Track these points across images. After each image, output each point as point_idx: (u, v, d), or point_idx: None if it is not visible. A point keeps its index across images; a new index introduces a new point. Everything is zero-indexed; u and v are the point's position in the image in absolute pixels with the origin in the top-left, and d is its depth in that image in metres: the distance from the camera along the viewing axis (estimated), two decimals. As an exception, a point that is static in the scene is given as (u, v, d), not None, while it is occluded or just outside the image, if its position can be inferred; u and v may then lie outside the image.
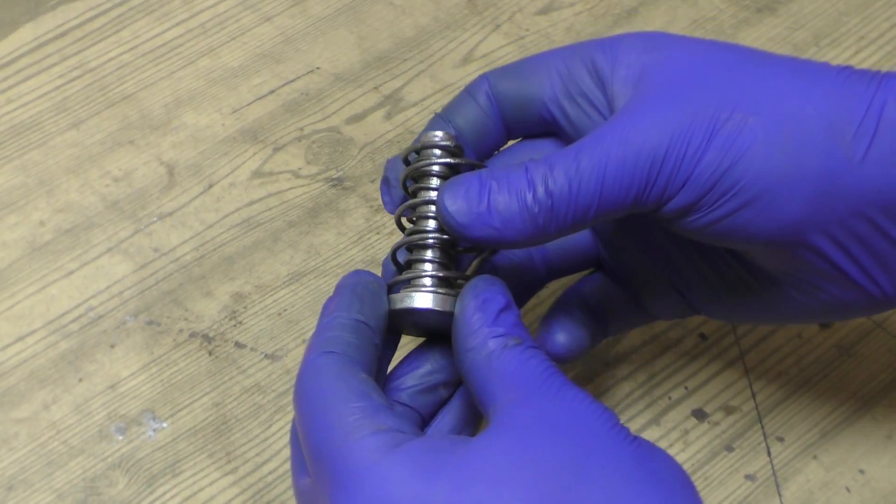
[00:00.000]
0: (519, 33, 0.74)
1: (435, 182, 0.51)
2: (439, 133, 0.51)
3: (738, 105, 0.46)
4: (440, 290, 0.50)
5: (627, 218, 0.49)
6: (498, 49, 0.73)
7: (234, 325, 0.63)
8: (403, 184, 0.52)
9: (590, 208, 0.47)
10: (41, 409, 0.60)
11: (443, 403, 0.52)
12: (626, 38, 0.50)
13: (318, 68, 0.72)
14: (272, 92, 0.71)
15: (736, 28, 0.75)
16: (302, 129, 0.69)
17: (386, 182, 0.53)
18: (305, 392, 0.46)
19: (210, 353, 0.62)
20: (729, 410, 0.61)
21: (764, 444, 0.60)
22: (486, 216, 0.47)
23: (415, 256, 0.51)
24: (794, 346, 0.63)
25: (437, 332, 0.51)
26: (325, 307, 0.50)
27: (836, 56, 0.73)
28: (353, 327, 0.48)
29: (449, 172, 0.51)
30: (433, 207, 0.50)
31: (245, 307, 0.63)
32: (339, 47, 0.73)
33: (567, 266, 0.56)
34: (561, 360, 0.54)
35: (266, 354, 0.62)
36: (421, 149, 0.51)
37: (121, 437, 0.59)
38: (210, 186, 0.67)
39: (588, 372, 0.62)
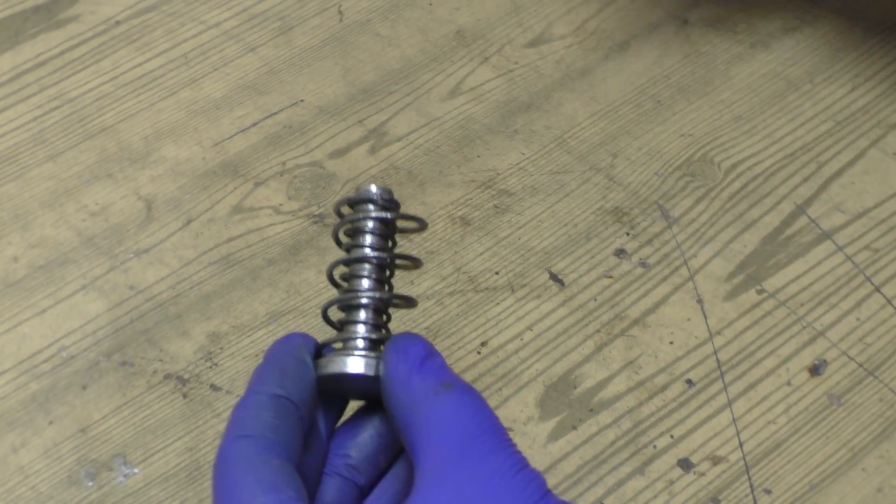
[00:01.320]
0: (508, 66, 0.73)
1: (369, 239, 0.49)
2: (374, 187, 0.49)
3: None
4: (370, 354, 0.48)
5: None
6: (486, 82, 0.72)
7: (210, 367, 0.61)
8: (336, 237, 0.51)
9: None
10: (9, 453, 0.58)
11: (385, 471, 0.50)
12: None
13: (301, 101, 0.70)
14: (255, 125, 0.69)
15: (728, 63, 0.73)
16: (284, 164, 0.68)
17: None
18: (217, 482, 0.45)
19: (184, 396, 0.60)
20: (716, 461, 0.60)
21: (751, 497, 0.59)
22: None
23: (347, 317, 0.49)
24: (783, 395, 0.62)
25: (371, 396, 0.49)
26: (251, 379, 0.48)
27: (830, 93, 0.72)
28: (271, 405, 0.46)
29: (384, 229, 0.49)
30: (367, 265, 0.49)
31: (221, 348, 0.62)
32: (323, 79, 0.71)
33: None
34: None
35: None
36: (355, 203, 0.50)
37: (90, 483, 0.58)
38: (189, 222, 0.66)
39: (571, 419, 0.61)
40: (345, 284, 0.50)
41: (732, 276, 0.65)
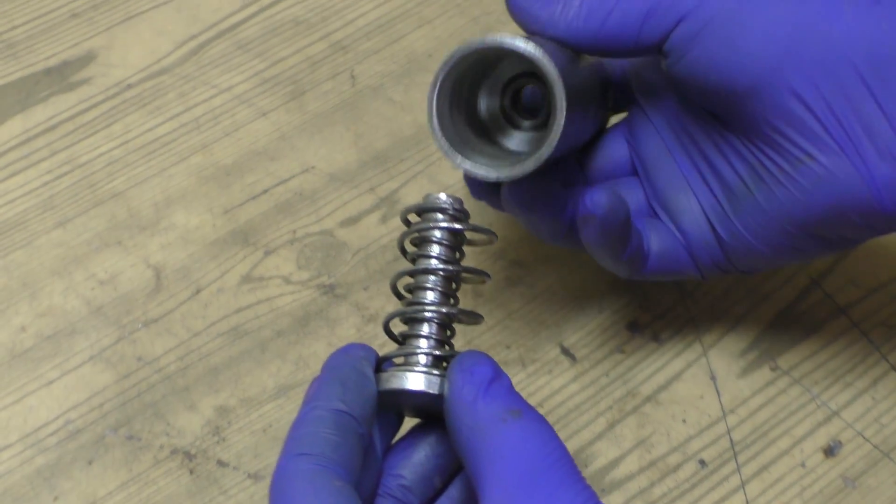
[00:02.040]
0: (521, 133, 0.72)
1: (436, 249, 0.49)
2: (444, 195, 0.49)
3: None
4: (433, 372, 0.47)
5: (657, 127, 0.57)
6: (499, 150, 0.71)
7: (217, 442, 0.61)
8: (402, 246, 0.50)
9: (603, 15, 0.52)
10: (14, 530, 0.58)
11: (439, 493, 0.50)
12: None
13: (313, 167, 0.70)
14: (265, 191, 0.69)
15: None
16: (294, 232, 0.68)
17: None
18: (276, 498, 0.44)
19: (191, 472, 0.60)
20: (728, 544, 0.59)
21: (764, 583, 0.58)
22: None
23: (410, 331, 0.48)
24: (797, 476, 0.61)
25: (430, 413, 0.49)
26: (308, 392, 0.47)
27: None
28: (332, 420, 0.45)
29: (452, 240, 0.49)
30: (432, 277, 0.48)
31: (229, 422, 0.61)
32: (335, 145, 0.71)
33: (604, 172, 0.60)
34: (593, 226, 0.53)
35: (249, 474, 0.60)
36: (423, 211, 0.49)
37: (95, 562, 0.57)
38: (198, 291, 0.65)
39: (582, 500, 0.60)
40: (409, 296, 0.49)
41: (746, 351, 0.64)
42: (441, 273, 0.49)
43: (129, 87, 0.72)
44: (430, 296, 0.49)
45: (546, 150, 0.49)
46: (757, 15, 0.50)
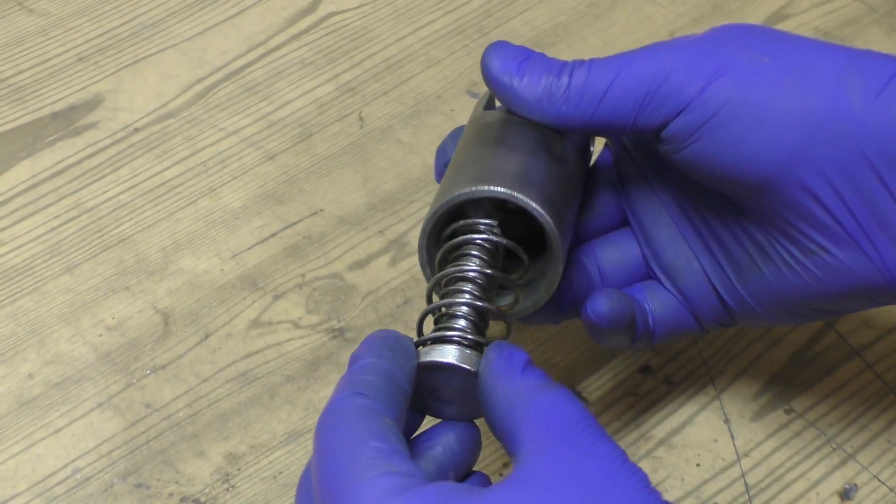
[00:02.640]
0: (530, 175, 0.72)
1: (474, 262, 0.50)
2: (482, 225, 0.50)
3: (759, 49, 0.49)
4: (467, 352, 0.48)
5: (657, 196, 0.55)
6: (508, 191, 0.71)
7: (227, 490, 0.60)
8: (439, 261, 0.51)
9: (594, 102, 0.50)
10: (22, 581, 0.57)
11: None
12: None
13: (321, 210, 0.70)
14: (274, 235, 0.69)
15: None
16: (303, 276, 0.67)
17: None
18: (326, 428, 0.45)
19: (201, 520, 0.59)
20: (744, 591, 0.58)
21: None
22: (514, 71, 0.51)
23: (445, 321, 0.49)
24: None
25: (457, 399, 0.49)
26: (353, 358, 0.48)
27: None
28: (384, 373, 0.46)
29: (490, 255, 0.50)
30: (469, 286, 0.50)
31: (239, 469, 0.61)
32: (343, 188, 0.71)
33: (619, 278, 0.57)
34: (598, 331, 0.54)
35: (259, 522, 0.59)
36: (461, 228, 0.50)
37: None
38: (206, 337, 0.65)
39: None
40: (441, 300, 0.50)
41: (759, 394, 0.64)
42: (479, 279, 0.50)
43: (136, 130, 0.72)
44: (466, 291, 0.50)
45: (545, 295, 0.52)
46: (764, 109, 0.49)
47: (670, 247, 0.56)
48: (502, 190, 0.49)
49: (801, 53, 0.50)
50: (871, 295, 0.51)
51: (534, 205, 0.49)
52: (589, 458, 0.43)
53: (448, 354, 0.48)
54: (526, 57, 0.52)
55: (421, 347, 0.49)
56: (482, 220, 0.51)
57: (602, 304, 0.54)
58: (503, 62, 0.52)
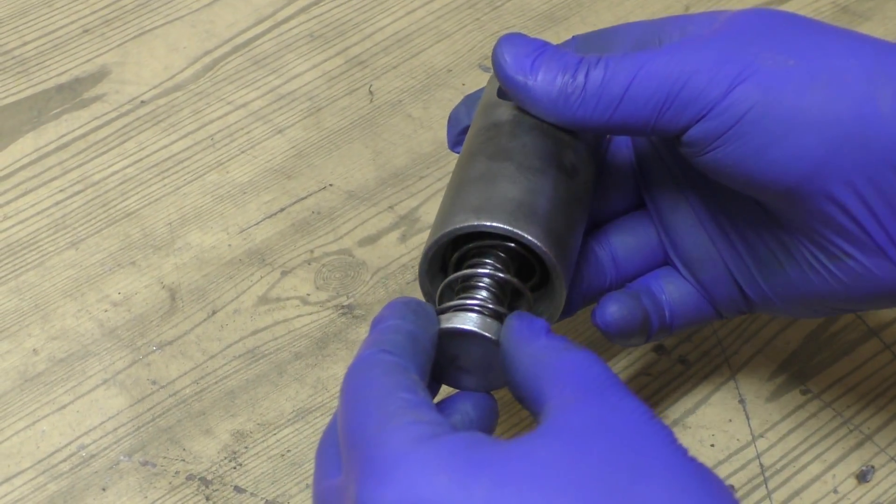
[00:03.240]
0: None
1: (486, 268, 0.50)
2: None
3: (783, 49, 0.47)
4: (488, 320, 0.48)
5: (678, 186, 0.53)
6: (520, 167, 0.70)
7: (235, 468, 0.59)
8: (442, 291, 0.50)
9: (612, 105, 0.48)
10: (26, 560, 0.56)
11: None
12: (702, 12, 0.52)
13: (330, 185, 0.69)
14: (282, 210, 0.68)
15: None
16: (312, 252, 0.66)
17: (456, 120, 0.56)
18: (353, 381, 0.45)
19: (207, 499, 0.58)
20: (760, 574, 0.57)
21: None
22: (528, 69, 0.49)
23: (466, 293, 0.50)
24: (829, 503, 0.59)
25: (476, 369, 0.49)
26: (376, 321, 0.48)
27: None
28: (408, 334, 0.47)
29: (496, 288, 0.49)
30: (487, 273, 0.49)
31: (246, 447, 0.60)
32: (353, 162, 0.69)
33: (635, 265, 0.56)
34: (610, 335, 0.54)
35: (267, 501, 0.58)
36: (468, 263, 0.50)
37: (109, 593, 0.56)
38: (213, 313, 0.64)
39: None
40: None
41: (775, 374, 0.63)
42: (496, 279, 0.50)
43: (143, 103, 0.71)
44: (488, 264, 0.50)
45: (548, 319, 0.51)
46: (790, 117, 0.47)
47: (690, 237, 0.55)
48: (505, 227, 0.48)
49: (828, 54, 0.48)
50: (892, 296, 0.50)
51: (536, 242, 0.48)
52: (616, 410, 0.42)
53: (469, 321, 0.48)
54: (540, 53, 0.50)
55: (442, 315, 0.49)
56: (488, 260, 0.50)
57: (611, 312, 0.53)
58: (516, 59, 0.50)
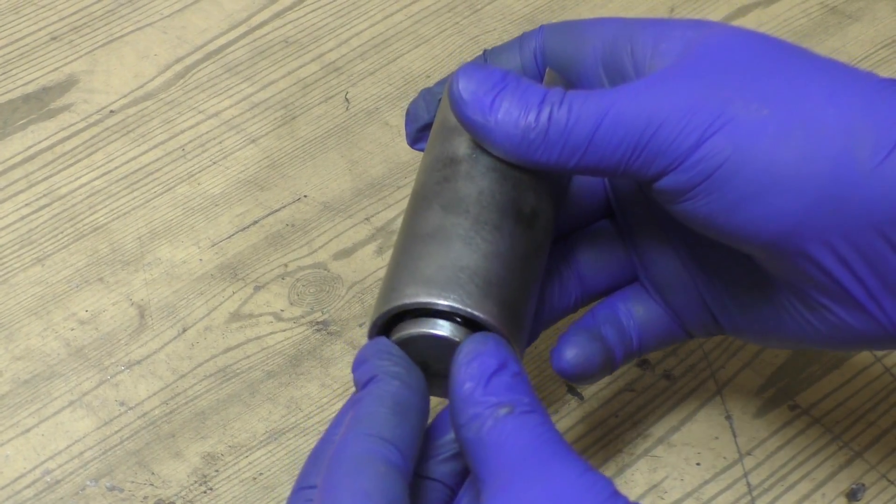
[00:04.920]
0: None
1: None
2: None
3: (757, 94, 0.45)
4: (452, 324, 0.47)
5: (650, 213, 0.51)
6: (500, 176, 0.68)
7: (205, 492, 0.57)
8: None
9: (577, 151, 0.46)
10: (-12, 591, 0.54)
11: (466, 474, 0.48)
12: (677, 21, 0.49)
13: (305, 196, 0.67)
14: (255, 223, 0.66)
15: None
16: (286, 266, 0.64)
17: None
18: (338, 479, 0.44)
19: (176, 525, 0.56)
20: None
21: None
22: (487, 107, 0.46)
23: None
24: (819, 524, 0.58)
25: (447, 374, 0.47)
26: (356, 376, 0.47)
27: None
28: (394, 401, 0.45)
29: None
30: None
31: (217, 470, 0.58)
32: (328, 173, 0.68)
33: (601, 283, 0.55)
34: (570, 379, 0.53)
35: (238, 527, 0.57)
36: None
37: None
38: (184, 330, 0.62)
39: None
40: None
41: (763, 389, 0.61)
42: None
43: (112, 113, 0.69)
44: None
45: None
46: (763, 173, 0.44)
47: (662, 262, 0.53)
48: (457, 306, 0.46)
49: (804, 100, 0.45)
50: (873, 344, 0.48)
51: (490, 321, 0.46)
52: (545, 482, 0.41)
53: (434, 325, 0.46)
54: (500, 89, 0.47)
55: (411, 320, 0.47)
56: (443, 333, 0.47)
57: (569, 359, 0.51)
58: (474, 97, 0.47)
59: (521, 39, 0.52)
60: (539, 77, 0.52)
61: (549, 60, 0.51)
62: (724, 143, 0.44)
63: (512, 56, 0.52)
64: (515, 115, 0.46)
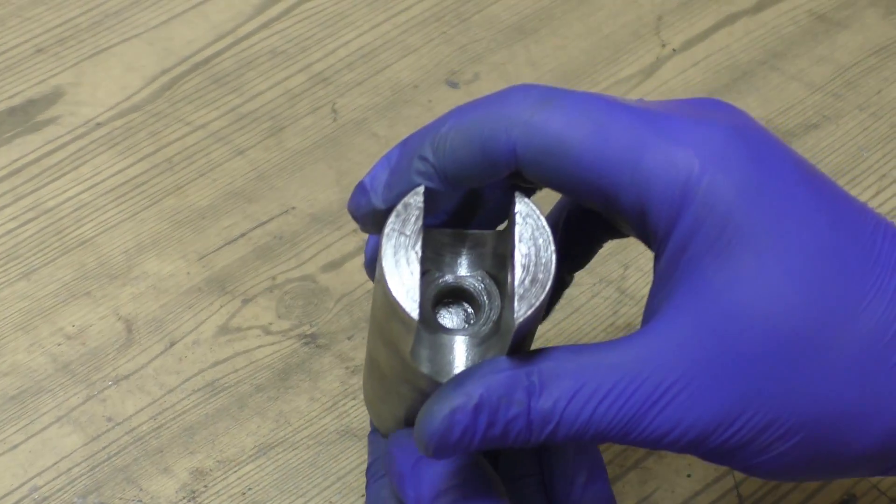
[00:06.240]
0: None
1: None
2: None
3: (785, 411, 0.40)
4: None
5: None
6: (488, 187, 0.68)
7: (193, 508, 0.57)
8: None
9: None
10: None
11: None
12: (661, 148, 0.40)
13: (293, 208, 0.66)
14: (243, 235, 0.65)
15: (746, 164, 0.69)
16: (274, 279, 0.64)
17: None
18: None
19: (165, 542, 0.56)
20: None
21: None
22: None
23: None
24: (810, 535, 0.57)
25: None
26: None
27: (855, 196, 0.67)
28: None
29: None
30: None
31: (206, 486, 0.58)
32: (316, 184, 0.67)
33: None
34: None
35: (227, 543, 0.56)
36: None
37: None
38: (171, 345, 0.61)
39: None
40: None
41: (754, 400, 0.61)
42: None
43: (98, 125, 0.69)
44: None
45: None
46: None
47: None
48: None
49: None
50: None
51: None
52: None
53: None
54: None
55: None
56: None
57: None
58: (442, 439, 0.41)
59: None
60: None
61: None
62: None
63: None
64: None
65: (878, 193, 0.68)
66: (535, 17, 0.74)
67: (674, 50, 0.73)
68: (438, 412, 0.40)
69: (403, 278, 0.41)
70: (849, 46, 0.73)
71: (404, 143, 0.43)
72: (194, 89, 0.70)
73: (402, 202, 0.42)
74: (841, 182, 0.68)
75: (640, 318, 0.62)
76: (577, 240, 0.49)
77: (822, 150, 0.69)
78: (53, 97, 0.69)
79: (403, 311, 0.40)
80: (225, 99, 0.70)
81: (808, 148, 0.69)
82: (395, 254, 0.41)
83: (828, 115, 0.71)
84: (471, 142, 0.41)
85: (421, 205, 0.42)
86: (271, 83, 0.71)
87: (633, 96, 0.71)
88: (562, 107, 0.40)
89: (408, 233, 0.41)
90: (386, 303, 0.42)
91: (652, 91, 0.71)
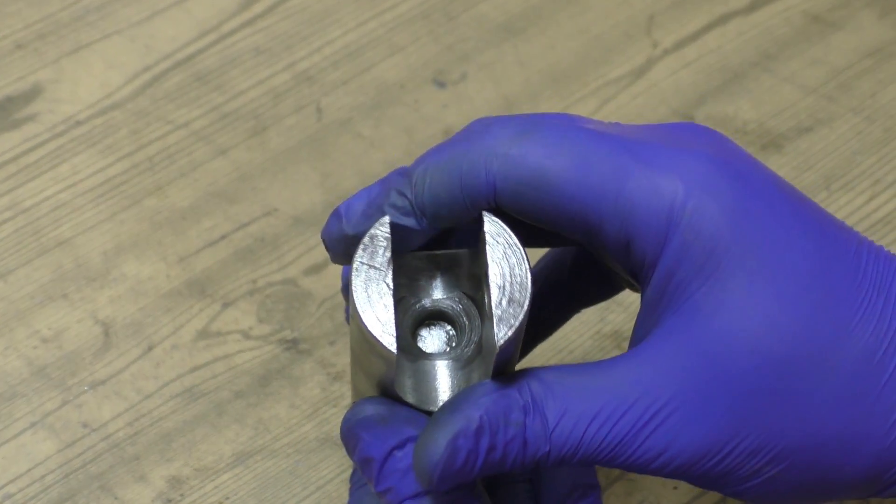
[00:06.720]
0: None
1: None
2: None
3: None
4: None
5: None
6: (475, 189, 0.66)
7: (169, 517, 0.56)
8: None
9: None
10: None
11: None
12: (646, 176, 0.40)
13: (275, 210, 0.65)
14: (224, 237, 0.64)
15: (738, 168, 0.68)
16: (255, 282, 0.63)
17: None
18: None
19: (140, 552, 0.55)
20: None
21: None
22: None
23: None
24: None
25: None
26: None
27: (848, 201, 0.66)
28: None
29: None
30: None
31: (182, 495, 0.56)
32: (299, 185, 0.66)
33: None
34: None
35: (203, 553, 0.55)
36: None
37: None
38: (150, 349, 0.60)
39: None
40: None
41: (743, 410, 0.60)
42: None
43: (78, 123, 0.67)
44: None
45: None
46: None
47: None
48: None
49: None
50: None
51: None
52: None
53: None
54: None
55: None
56: None
57: None
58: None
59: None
60: None
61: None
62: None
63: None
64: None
65: (871, 199, 0.67)
66: (524, 17, 0.73)
67: (665, 50, 0.72)
68: (441, 438, 0.39)
69: (378, 313, 0.40)
70: (843, 48, 0.72)
71: (385, 179, 0.43)
72: (176, 87, 0.69)
73: (367, 234, 0.41)
74: (834, 187, 0.67)
75: (627, 325, 0.61)
76: (549, 308, 0.50)
77: (815, 154, 0.68)
78: (32, 94, 0.68)
79: (381, 346, 0.40)
80: (208, 97, 0.69)
81: (801, 152, 0.68)
82: (367, 288, 0.40)
83: (821, 119, 0.69)
84: (450, 176, 0.40)
85: (388, 235, 0.41)
86: (255, 81, 0.70)
87: (623, 97, 0.70)
88: (541, 138, 0.40)
89: (377, 265, 0.40)
90: (362, 339, 0.41)
91: (643, 92, 0.70)
